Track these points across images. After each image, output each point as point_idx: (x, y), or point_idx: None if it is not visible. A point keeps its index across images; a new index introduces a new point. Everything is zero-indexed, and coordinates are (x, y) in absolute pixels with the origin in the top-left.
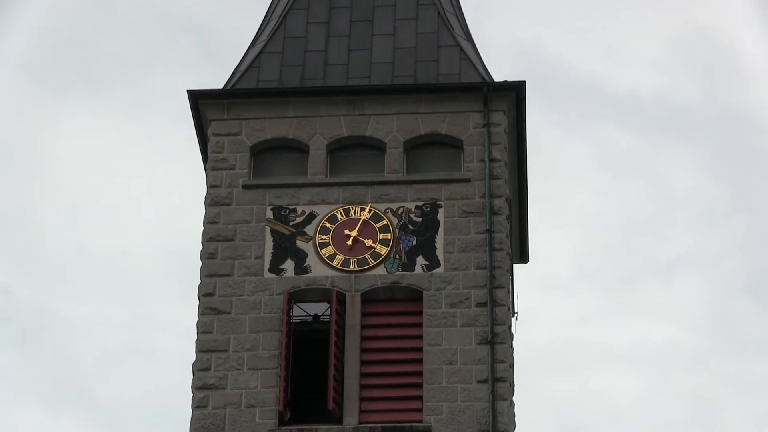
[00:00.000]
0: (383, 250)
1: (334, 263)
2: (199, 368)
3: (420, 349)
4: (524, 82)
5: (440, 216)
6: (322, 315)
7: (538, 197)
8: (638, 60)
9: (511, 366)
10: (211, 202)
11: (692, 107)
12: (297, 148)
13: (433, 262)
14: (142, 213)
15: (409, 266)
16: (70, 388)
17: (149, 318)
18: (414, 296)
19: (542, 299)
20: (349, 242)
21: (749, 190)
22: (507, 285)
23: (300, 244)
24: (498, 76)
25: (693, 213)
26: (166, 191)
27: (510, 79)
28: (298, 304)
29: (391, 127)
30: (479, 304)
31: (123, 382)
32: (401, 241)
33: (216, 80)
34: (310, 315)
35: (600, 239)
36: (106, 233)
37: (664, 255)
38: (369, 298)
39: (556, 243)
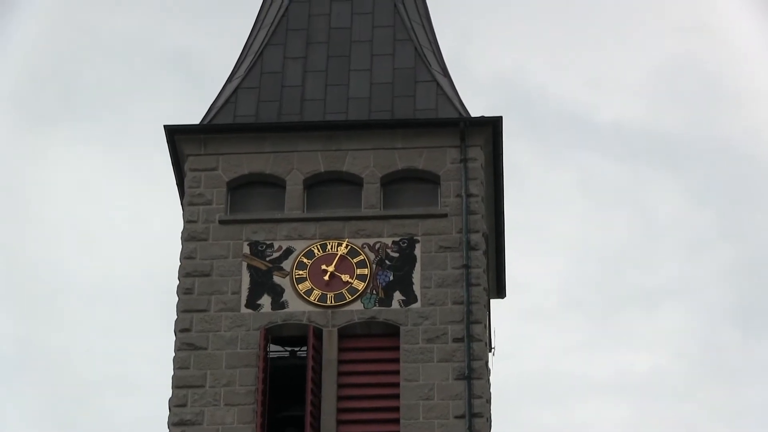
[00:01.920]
0: (360, 286)
1: (311, 298)
2: (175, 404)
3: (397, 385)
4: (501, 117)
5: (417, 251)
6: (299, 351)
7: (521, 226)
8: (622, 89)
9: (488, 401)
10: (187, 237)
11: (676, 137)
12: (274, 183)
13: (410, 298)
14: (125, 244)
15: (386, 301)
16: (53, 419)
17: (131, 350)
18: (391, 331)
19: (526, 330)
20: (326, 277)
21: (734, 218)
22: (484, 320)
23: (277, 279)
24: (481, 105)
25: (678, 242)
26: (147, 223)
27: (493, 108)
28: (273, 341)
29: (368, 162)
30: (456, 340)
31: (105, 414)
32: (378, 277)
33: (201, 110)
34: (287, 350)
35: (584, 269)
36: (88, 264)
37: (648, 284)
38: (346, 333)
39: (540, 273)
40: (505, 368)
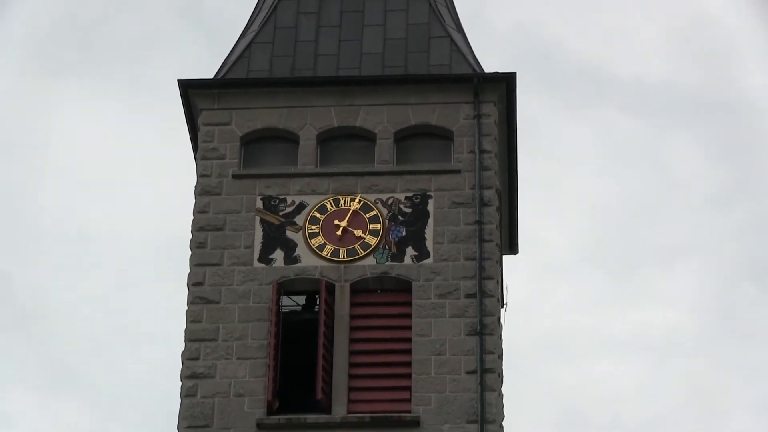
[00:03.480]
0: (373, 241)
1: (324, 253)
2: (188, 357)
3: (409, 340)
4: (515, 73)
5: (430, 207)
6: (312, 305)
7: (537, 182)
8: (640, 45)
9: (500, 357)
10: (201, 191)
11: (694, 92)
12: (287, 138)
13: (422, 253)
14: (141, 198)
15: (398, 257)
16: (67, 372)
17: (144, 303)
18: (403, 287)
19: (542, 286)
20: (339, 232)
21: (752, 175)
22: (496, 276)
23: (289, 234)
24: (497, 59)
25: (695, 198)
26: (162, 176)
27: (510, 62)
28: (286, 296)
29: (381, 117)
30: (468, 295)
31: (119, 366)
32: (391, 232)
33: (216, 64)
34: (299, 305)
35: (601, 225)
36: (104, 217)
37: (665, 240)
38: (358, 288)
39: (556, 229)
40: (520, 324)
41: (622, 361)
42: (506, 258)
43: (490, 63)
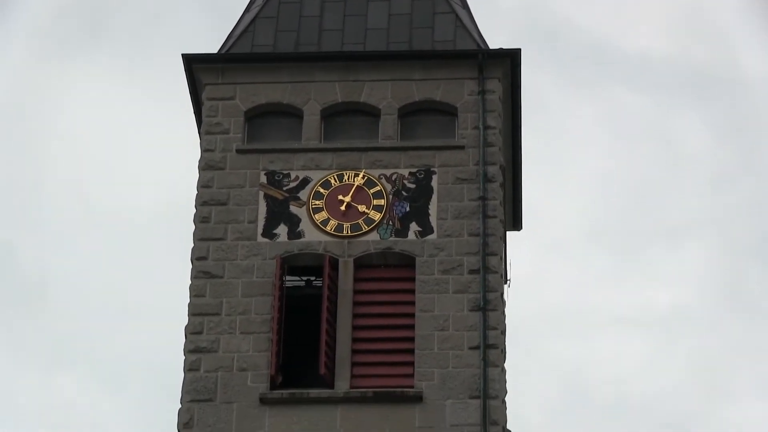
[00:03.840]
0: (376, 216)
1: (327, 228)
2: (191, 331)
3: (412, 315)
4: (519, 49)
5: (434, 183)
6: (315, 280)
7: (543, 158)
8: (648, 21)
9: (503, 333)
10: (204, 166)
11: (702, 70)
12: (291, 113)
13: (426, 229)
14: (145, 172)
15: (402, 232)
16: (71, 346)
17: (148, 277)
18: (407, 262)
19: (548, 263)
20: (343, 208)
21: (759, 152)
22: (500, 252)
23: (293, 209)
24: (505, 34)
25: (702, 175)
26: (167, 151)
27: (517, 38)
28: (289, 271)
29: (385, 93)
30: (472, 271)
31: (123, 341)
32: (394, 208)
33: (221, 38)
34: (302, 280)
35: (607, 202)
36: (109, 191)
37: (672, 218)
38: (362, 263)
39: (562, 205)
40: (525, 300)
41: (627, 338)
42: (510, 234)
43: (497, 39)
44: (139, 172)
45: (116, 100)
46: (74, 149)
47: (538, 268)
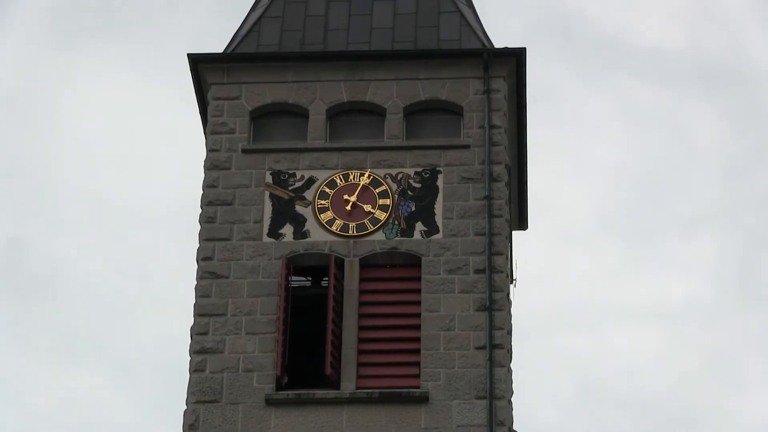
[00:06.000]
0: (382, 216)
1: (333, 228)
2: (197, 332)
3: (418, 315)
4: (524, 48)
5: (439, 182)
6: (321, 280)
7: (556, 150)
8: (661, 12)
9: (509, 333)
10: (210, 166)
11: (715, 61)
12: (297, 113)
13: (431, 228)
14: (152, 171)
15: (407, 232)
16: (81, 340)
17: (153, 277)
18: (412, 262)
19: (560, 255)
20: (348, 207)
21: None
22: (506, 252)
23: (299, 208)
24: (518, 26)
25: (715, 167)
26: (174, 150)
27: (530, 30)
28: (295, 271)
29: (390, 92)
30: (477, 271)
31: (131, 338)
32: (400, 207)
33: (227, 38)
34: (308, 280)
35: (621, 193)
36: (117, 188)
37: (685, 210)
38: (367, 263)
39: (576, 197)
40: (538, 294)
41: (640, 330)
42: (517, 234)
43: (509, 31)
44: (147, 170)
45: (124, 100)
46: (82, 148)
47: (551, 262)
